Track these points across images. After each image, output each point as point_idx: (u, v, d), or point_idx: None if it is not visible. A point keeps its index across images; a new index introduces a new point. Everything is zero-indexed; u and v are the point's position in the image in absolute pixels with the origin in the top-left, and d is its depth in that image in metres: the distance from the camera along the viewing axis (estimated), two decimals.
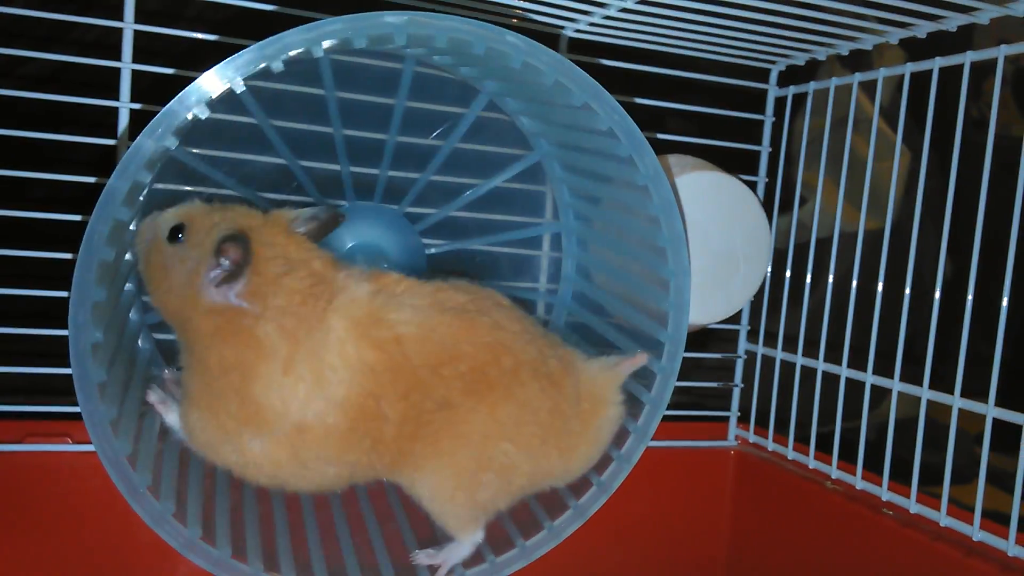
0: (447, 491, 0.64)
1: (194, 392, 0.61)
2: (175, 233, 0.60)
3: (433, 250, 0.83)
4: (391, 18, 0.57)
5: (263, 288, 0.59)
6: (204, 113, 0.55)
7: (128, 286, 0.69)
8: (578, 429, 0.67)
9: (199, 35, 0.73)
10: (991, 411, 0.69)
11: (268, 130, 0.72)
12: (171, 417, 0.65)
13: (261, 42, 0.55)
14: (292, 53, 0.55)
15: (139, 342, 0.73)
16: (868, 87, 0.87)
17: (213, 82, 0.55)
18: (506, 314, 0.66)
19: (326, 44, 0.57)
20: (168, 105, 0.54)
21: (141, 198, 0.63)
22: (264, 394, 0.59)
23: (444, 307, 0.64)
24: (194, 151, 0.71)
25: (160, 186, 0.69)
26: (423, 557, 0.68)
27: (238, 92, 0.57)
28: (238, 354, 0.59)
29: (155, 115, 0.54)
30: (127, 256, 0.66)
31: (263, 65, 0.55)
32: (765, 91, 0.96)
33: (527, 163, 0.83)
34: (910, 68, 0.79)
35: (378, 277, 0.64)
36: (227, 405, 0.59)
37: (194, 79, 0.54)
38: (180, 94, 0.54)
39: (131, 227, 0.63)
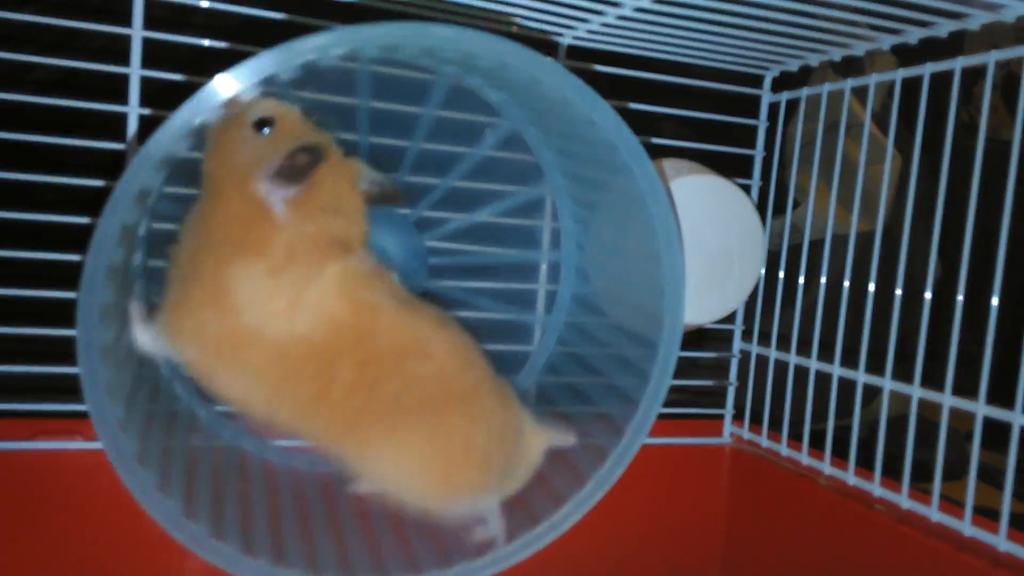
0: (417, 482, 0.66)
1: (182, 255, 0.62)
2: (262, 124, 0.61)
3: (435, 260, 0.83)
4: (440, 30, 0.58)
5: (303, 209, 0.60)
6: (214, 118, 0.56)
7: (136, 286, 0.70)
8: (514, 455, 0.70)
9: (207, 42, 0.74)
10: (981, 409, 0.69)
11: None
12: (145, 336, 0.64)
13: (286, 44, 0.55)
14: (336, 53, 0.57)
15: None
16: (860, 93, 0.88)
17: (229, 86, 0.55)
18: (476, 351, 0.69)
19: (340, 52, 0.58)
20: (178, 109, 0.55)
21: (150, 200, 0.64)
22: (238, 279, 0.59)
23: (427, 312, 0.67)
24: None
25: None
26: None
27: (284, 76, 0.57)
28: (238, 236, 0.60)
29: (163, 120, 0.54)
30: (135, 257, 0.66)
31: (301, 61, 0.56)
32: (759, 97, 0.96)
33: (536, 192, 0.85)
34: (901, 74, 0.79)
35: (382, 271, 0.66)
36: (204, 271, 0.60)
37: (201, 84, 0.54)
38: (192, 99, 0.55)
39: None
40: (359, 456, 0.66)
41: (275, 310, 0.60)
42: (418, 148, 0.80)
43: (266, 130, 0.61)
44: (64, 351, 0.66)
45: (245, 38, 0.72)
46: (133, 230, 0.62)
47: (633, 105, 0.86)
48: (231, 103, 0.59)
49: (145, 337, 0.64)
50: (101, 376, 0.56)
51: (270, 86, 0.60)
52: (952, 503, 0.73)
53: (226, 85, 0.55)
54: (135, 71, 0.73)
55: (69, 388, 0.68)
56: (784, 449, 0.90)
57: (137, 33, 0.73)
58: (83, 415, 0.63)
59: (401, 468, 0.66)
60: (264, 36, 0.67)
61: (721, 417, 0.99)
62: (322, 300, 0.61)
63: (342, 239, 0.63)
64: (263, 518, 0.67)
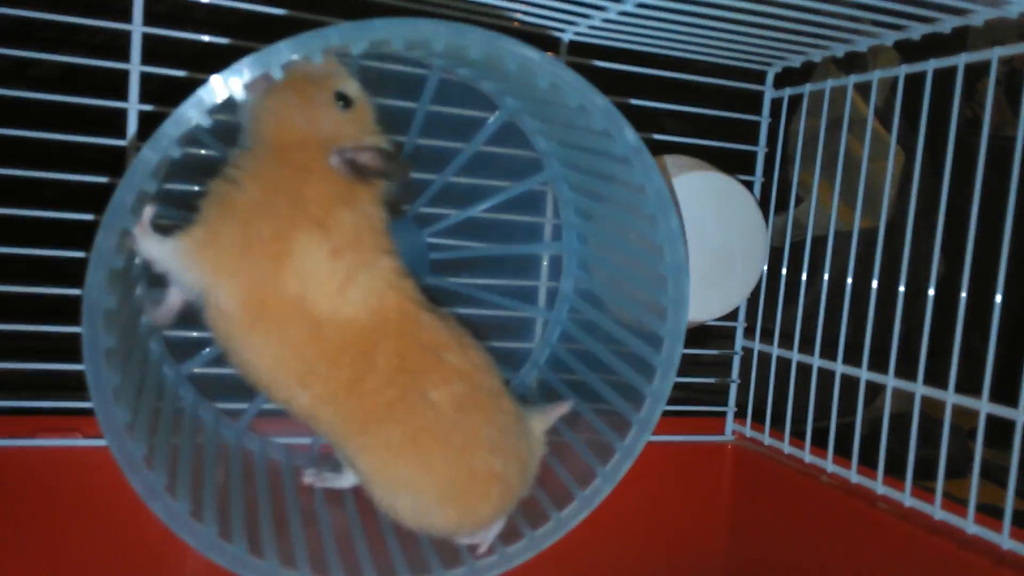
0: (429, 501, 0.66)
1: (243, 198, 0.60)
2: (343, 98, 0.62)
3: (436, 255, 0.83)
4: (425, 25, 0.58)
5: (365, 196, 0.62)
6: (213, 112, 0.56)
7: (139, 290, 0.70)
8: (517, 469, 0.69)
9: (207, 38, 0.73)
10: (984, 406, 0.69)
11: None
12: (151, 244, 0.60)
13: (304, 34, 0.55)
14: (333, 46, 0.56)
15: (151, 343, 0.74)
16: (863, 89, 0.88)
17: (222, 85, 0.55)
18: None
19: (337, 47, 0.57)
20: (181, 105, 0.54)
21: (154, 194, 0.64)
22: (302, 249, 0.60)
23: (446, 316, 0.68)
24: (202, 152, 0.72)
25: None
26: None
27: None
28: (313, 202, 0.60)
29: (163, 116, 0.54)
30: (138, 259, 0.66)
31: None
32: (761, 93, 0.96)
33: (538, 180, 0.85)
34: (904, 70, 0.79)
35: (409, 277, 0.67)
36: (267, 228, 0.59)
37: (201, 81, 0.54)
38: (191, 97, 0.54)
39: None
40: (374, 457, 0.65)
41: (328, 289, 0.60)
42: (415, 143, 0.80)
43: (343, 104, 0.62)
44: (64, 348, 0.66)
45: (245, 34, 0.72)
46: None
47: (635, 101, 0.86)
48: (326, 57, 0.59)
49: (156, 250, 0.60)
50: (107, 378, 0.56)
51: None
52: (955, 501, 0.73)
53: (220, 86, 0.54)
54: (135, 67, 0.73)
55: (69, 385, 0.69)
56: (786, 447, 0.90)
57: (137, 29, 0.72)
58: (83, 412, 0.63)
59: (420, 478, 0.65)
60: (264, 32, 0.66)
61: (723, 415, 0.99)
62: (373, 288, 0.62)
63: (378, 236, 0.64)
64: (268, 518, 0.67)
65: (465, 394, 0.65)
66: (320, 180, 0.61)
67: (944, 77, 0.76)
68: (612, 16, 0.78)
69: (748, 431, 0.96)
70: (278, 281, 0.60)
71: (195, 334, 0.74)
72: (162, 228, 0.61)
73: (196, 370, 0.76)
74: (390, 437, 0.63)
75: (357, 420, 0.63)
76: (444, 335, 0.65)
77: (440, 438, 0.64)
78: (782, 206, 0.94)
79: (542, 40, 0.85)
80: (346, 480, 0.74)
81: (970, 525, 0.70)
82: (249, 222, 0.59)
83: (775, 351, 0.92)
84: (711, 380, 0.99)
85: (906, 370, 0.77)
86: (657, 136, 0.88)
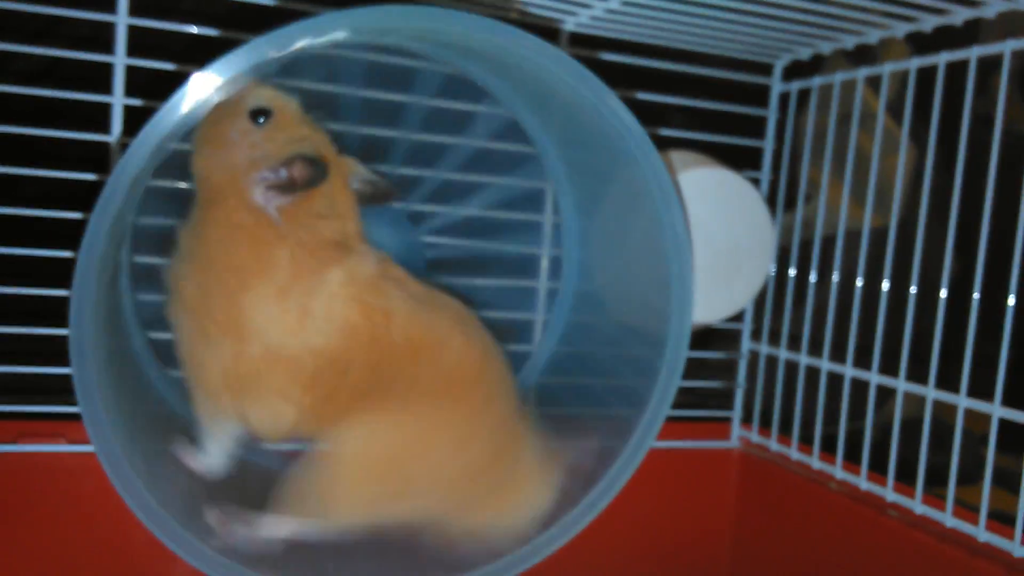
0: (350, 474, 0.64)
1: (187, 290, 0.61)
2: (259, 114, 0.60)
3: (432, 254, 0.83)
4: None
5: (299, 217, 0.59)
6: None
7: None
8: (501, 491, 0.68)
9: (194, 29, 0.73)
10: (997, 411, 0.68)
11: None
12: (200, 458, 0.66)
13: (295, 25, 0.54)
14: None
15: (134, 341, 0.73)
16: (873, 82, 0.87)
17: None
18: (495, 353, 0.68)
19: (325, 40, 0.56)
20: (166, 104, 0.53)
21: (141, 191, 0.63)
22: (252, 307, 0.59)
23: (442, 308, 0.65)
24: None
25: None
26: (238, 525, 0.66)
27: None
28: (244, 259, 0.59)
29: (149, 111, 0.53)
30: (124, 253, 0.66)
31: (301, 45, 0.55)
32: (768, 86, 0.95)
33: (536, 182, 0.84)
34: (916, 63, 0.79)
35: (388, 265, 0.65)
36: (214, 308, 0.59)
37: (189, 74, 0.53)
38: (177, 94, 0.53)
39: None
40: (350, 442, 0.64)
41: (288, 328, 0.59)
42: (411, 138, 0.79)
43: (262, 120, 0.60)
44: (48, 351, 0.66)
45: (233, 24, 0.71)
46: (126, 224, 0.61)
47: (638, 94, 0.85)
48: (224, 89, 0.57)
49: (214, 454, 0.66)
50: (93, 377, 0.55)
51: (263, 74, 0.60)
52: (967, 508, 0.72)
53: (209, 80, 0.53)
54: (120, 60, 0.72)
55: (53, 389, 0.69)
56: (794, 453, 0.89)
57: (122, 20, 0.71)
58: (67, 417, 0.63)
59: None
60: (252, 22, 0.66)
61: (729, 420, 0.98)
62: (331, 310, 0.60)
63: (339, 242, 0.62)
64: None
65: (437, 392, 0.64)
66: (244, 231, 0.59)
67: (956, 71, 0.76)
68: (615, 6, 0.77)
69: (755, 436, 0.96)
70: (244, 348, 0.59)
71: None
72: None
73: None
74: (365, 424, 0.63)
75: (330, 421, 0.63)
76: (418, 335, 0.63)
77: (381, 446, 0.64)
78: (790, 204, 0.94)
79: (542, 30, 0.84)
80: None
81: (982, 532, 0.70)
82: (199, 312, 0.60)
83: (783, 354, 0.92)
84: (716, 384, 0.98)
85: (918, 373, 0.76)
86: (661, 131, 0.87)
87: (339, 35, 0.56)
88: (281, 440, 0.65)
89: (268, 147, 0.59)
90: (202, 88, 0.53)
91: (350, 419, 0.63)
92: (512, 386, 0.69)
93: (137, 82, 0.72)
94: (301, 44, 0.54)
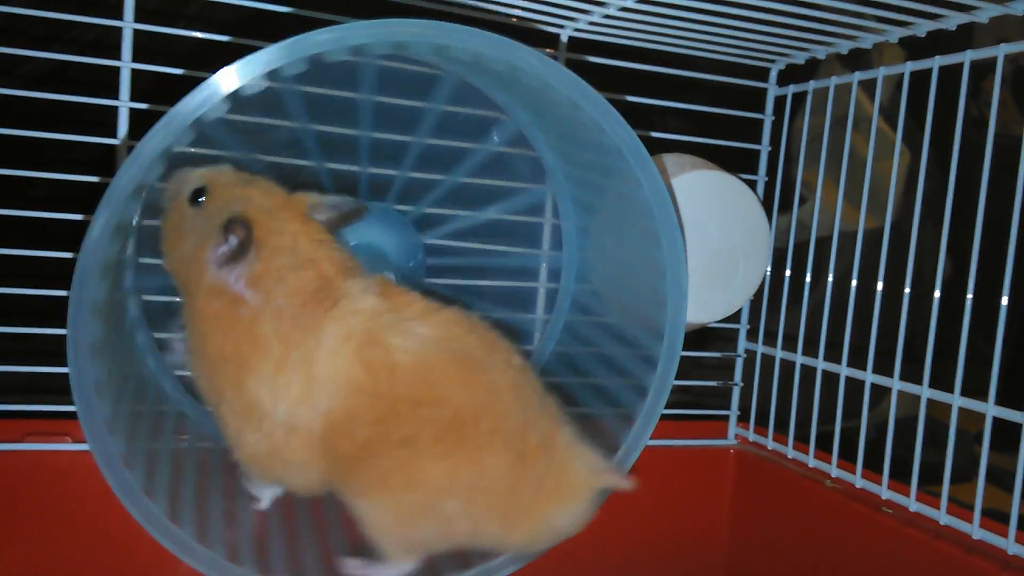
0: (386, 524, 0.62)
1: (202, 382, 0.61)
2: (196, 196, 0.60)
3: (433, 260, 0.83)
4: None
5: (266, 280, 0.58)
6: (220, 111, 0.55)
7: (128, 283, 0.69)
8: (530, 508, 0.62)
9: (199, 34, 0.73)
10: (991, 410, 0.69)
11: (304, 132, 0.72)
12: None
13: (292, 39, 0.54)
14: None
15: (137, 337, 0.73)
16: (868, 86, 0.87)
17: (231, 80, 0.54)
18: (508, 376, 0.62)
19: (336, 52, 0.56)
20: (177, 105, 0.54)
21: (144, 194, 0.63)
22: (256, 389, 0.58)
23: (450, 346, 0.61)
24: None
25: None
26: (352, 567, 0.65)
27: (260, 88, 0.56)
28: (235, 346, 0.58)
29: (155, 114, 0.54)
30: (127, 252, 0.66)
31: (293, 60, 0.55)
32: (765, 90, 0.96)
33: (539, 193, 0.84)
34: (910, 67, 0.79)
35: (390, 292, 0.62)
36: (225, 397, 0.59)
37: (194, 78, 0.54)
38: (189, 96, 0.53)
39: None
40: (354, 502, 0.62)
41: (295, 398, 0.58)
42: (421, 145, 0.79)
43: (200, 200, 0.60)
44: (53, 351, 0.65)
45: (238, 30, 0.71)
46: (127, 226, 0.61)
47: (635, 99, 0.85)
48: (168, 183, 0.58)
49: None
50: (90, 374, 0.55)
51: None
52: (961, 506, 0.72)
53: (227, 80, 0.54)
54: (126, 64, 0.72)
55: (59, 389, 0.67)
56: (790, 451, 0.90)
57: (128, 25, 0.72)
58: (73, 416, 0.62)
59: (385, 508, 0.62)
60: (257, 28, 0.66)
61: (726, 418, 0.98)
62: (335, 369, 0.58)
63: (320, 288, 0.59)
64: (248, 524, 0.67)
65: (444, 434, 0.60)
66: (225, 320, 0.59)
67: (950, 75, 0.76)
68: (612, 12, 0.78)
69: (751, 435, 0.96)
70: (263, 428, 0.59)
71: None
72: None
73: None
74: (363, 491, 0.62)
75: (339, 476, 0.62)
76: (421, 383, 0.59)
77: (411, 498, 0.61)
78: (786, 206, 0.94)
79: (541, 37, 0.84)
80: None
81: (976, 530, 0.70)
82: (218, 402, 0.60)
83: (779, 353, 0.92)
84: (714, 383, 0.99)
85: (912, 373, 0.76)
86: (659, 134, 0.87)
87: (336, 50, 0.56)
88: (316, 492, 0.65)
89: (207, 225, 0.59)
90: (209, 93, 0.53)
91: (363, 472, 0.60)
92: (532, 384, 0.64)
93: (143, 86, 0.73)
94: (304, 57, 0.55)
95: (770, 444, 0.93)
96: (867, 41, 0.83)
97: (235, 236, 0.57)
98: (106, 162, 0.72)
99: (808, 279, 0.90)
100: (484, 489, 0.60)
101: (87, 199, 0.64)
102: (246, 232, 0.57)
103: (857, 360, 0.82)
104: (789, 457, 0.90)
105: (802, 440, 0.89)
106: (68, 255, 0.68)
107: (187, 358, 0.63)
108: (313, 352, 0.58)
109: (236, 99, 0.55)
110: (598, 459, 0.63)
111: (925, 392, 0.75)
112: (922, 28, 0.77)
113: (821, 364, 0.86)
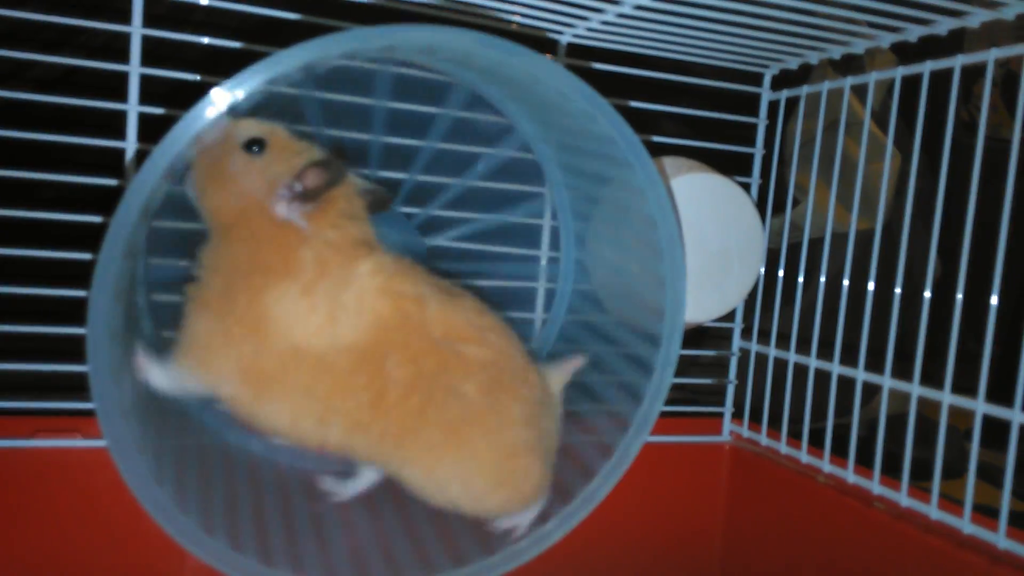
0: (482, 488, 0.67)
1: (209, 293, 0.61)
2: (252, 144, 0.61)
3: (433, 256, 0.83)
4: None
5: (328, 218, 0.61)
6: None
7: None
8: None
9: (207, 40, 0.73)
10: (980, 407, 0.69)
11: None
12: (155, 374, 0.64)
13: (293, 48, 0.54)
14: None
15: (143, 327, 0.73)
16: (860, 91, 0.88)
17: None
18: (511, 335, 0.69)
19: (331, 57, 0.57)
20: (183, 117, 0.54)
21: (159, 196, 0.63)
22: (275, 305, 0.60)
23: (467, 298, 0.67)
24: None
25: None
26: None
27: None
28: (269, 260, 0.60)
29: (163, 119, 0.54)
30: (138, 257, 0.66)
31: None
32: (759, 95, 0.96)
33: (536, 192, 0.85)
34: (901, 72, 0.79)
35: (412, 264, 0.67)
36: (238, 306, 0.60)
37: (202, 83, 0.54)
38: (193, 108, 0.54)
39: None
40: (419, 464, 0.65)
41: (316, 324, 0.60)
42: (433, 149, 0.80)
43: (257, 149, 0.61)
44: (64, 349, 0.66)
45: (245, 35, 0.72)
46: (142, 229, 0.62)
47: (633, 103, 0.86)
48: (204, 134, 0.59)
49: (163, 379, 0.64)
50: (107, 362, 0.55)
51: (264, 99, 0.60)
52: (951, 501, 0.73)
53: (221, 98, 0.54)
54: (134, 69, 0.73)
55: (69, 386, 0.69)
56: (783, 447, 0.90)
57: (136, 31, 0.72)
58: (83, 413, 0.63)
59: (466, 469, 0.66)
60: (262, 34, 0.67)
61: (720, 415, 0.99)
62: (362, 302, 0.61)
63: (365, 240, 0.63)
64: (279, 528, 0.67)
65: (491, 380, 0.65)
66: (269, 240, 0.61)
67: (940, 79, 0.76)
68: (610, 19, 0.78)
69: (745, 431, 0.96)
70: (267, 345, 0.60)
71: None
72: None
73: None
74: (428, 441, 0.64)
75: (391, 436, 0.64)
76: (457, 324, 0.65)
77: (476, 425, 0.65)
78: (779, 208, 0.94)
79: (540, 43, 0.85)
80: (361, 482, 0.74)
81: (966, 525, 0.71)
82: (222, 311, 0.61)
83: (772, 352, 0.92)
84: (708, 381, 0.99)
85: (902, 371, 0.77)
86: (655, 138, 0.88)
87: (331, 55, 0.57)
88: (307, 444, 0.65)
89: (277, 168, 0.61)
90: (220, 100, 0.54)
91: (413, 438, 0.64)
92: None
93: (151, 90, 0.73)
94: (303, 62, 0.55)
95: (764, 441, 0.93)
96: (859, 47, 0.83)
97: (310, 181, 0.60)
98: (116, 165, 0.72)
99: (801, 279, 0.91)
100: (532, 415, 0.67)
101: (97, 201, 0.65)
102: (330, 174, 0.60)
103: (849, 358, 0.82)
104: (782, 453, 0.90)
105: (795, 436, 0.89)
106: (76, 255, 0.69)
107: (196, 281, 0.62)
108: (345, 283, 0.61)
109: (255, 101, 0.57)
110: (559, 369, 0.73)
111: (916, 389, 0.75)
112: (914, 33, 0.77)
113: (814, 362, 0.86)
